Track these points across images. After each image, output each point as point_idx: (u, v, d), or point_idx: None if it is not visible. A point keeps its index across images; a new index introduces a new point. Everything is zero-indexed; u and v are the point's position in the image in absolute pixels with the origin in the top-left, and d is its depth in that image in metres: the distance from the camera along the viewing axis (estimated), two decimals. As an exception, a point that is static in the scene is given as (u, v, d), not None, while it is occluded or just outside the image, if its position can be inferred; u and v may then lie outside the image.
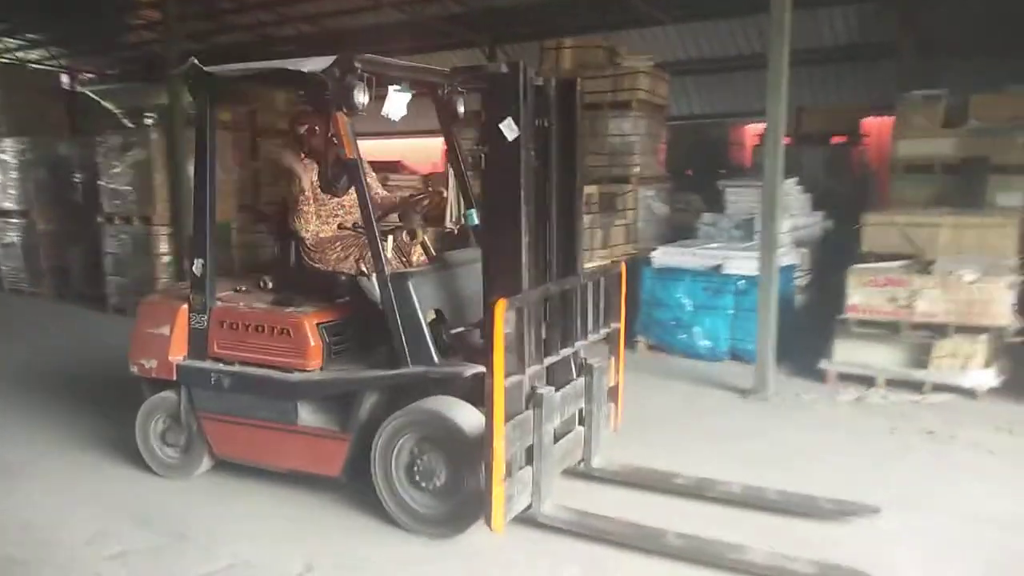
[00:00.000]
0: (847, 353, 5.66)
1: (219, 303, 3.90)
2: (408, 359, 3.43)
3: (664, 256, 6.85)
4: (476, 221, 4.01)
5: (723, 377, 5.90)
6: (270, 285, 4.15)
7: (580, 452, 3.81)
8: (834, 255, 7.32)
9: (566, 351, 3.62)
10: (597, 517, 3.40)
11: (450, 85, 3.97)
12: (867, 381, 5.54)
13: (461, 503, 3.30)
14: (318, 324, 3.71)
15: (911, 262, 5.81)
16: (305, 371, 3.66)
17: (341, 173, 3.96)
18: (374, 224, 3.49)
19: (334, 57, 3.39)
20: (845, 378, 5.65)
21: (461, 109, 4.07)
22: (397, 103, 3.68)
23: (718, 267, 6.58)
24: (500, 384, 2.97)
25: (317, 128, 4.03)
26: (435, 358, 3.40)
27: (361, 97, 3.37)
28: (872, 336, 5.59)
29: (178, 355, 3.94)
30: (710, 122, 12.63)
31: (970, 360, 5.26)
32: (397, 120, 3.71)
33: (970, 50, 8.96)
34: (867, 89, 11.01)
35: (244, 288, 4.15)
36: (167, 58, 8.57)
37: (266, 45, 12.61)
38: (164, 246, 8.19)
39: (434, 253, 4.18)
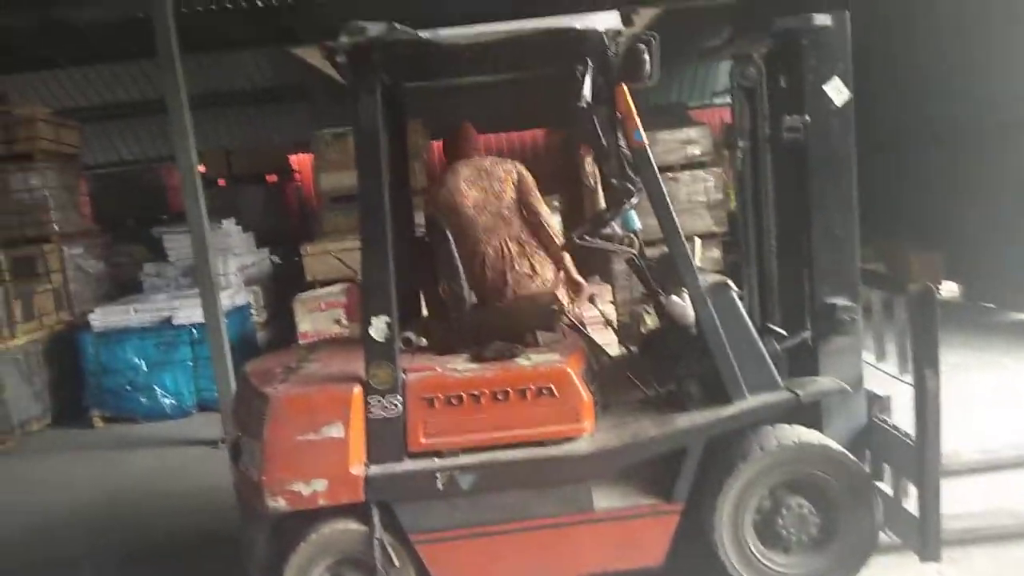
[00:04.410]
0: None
1: (409, 375, 2.86)
2: (744, 388, 2.89)
3: (104, 318, 6.31)
4: (638, 224, 3.18)
5: (195, 432, 5.68)
6: (423, 341, 3.15)
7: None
8: (286, 288, 7.64)
9: None
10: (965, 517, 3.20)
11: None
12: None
13: (841, 551, 2.90)
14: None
15: (349, 285, 6.35)
16: (578, 437, 2.87)
17: (629, 165, 3.03)
18: (676, 223, 2.88)
19: (616, 11, 2.79)
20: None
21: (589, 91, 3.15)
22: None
23: (168, 319, 6.29)
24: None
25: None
26: (779, 381, 2.94)
27: (650, 64, 2.77)
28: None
29: (358, 463, 2.78)
30: (141, 168, 11.89)
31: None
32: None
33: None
34: (290, 128, 11.70)
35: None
36: None
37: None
38: None
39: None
